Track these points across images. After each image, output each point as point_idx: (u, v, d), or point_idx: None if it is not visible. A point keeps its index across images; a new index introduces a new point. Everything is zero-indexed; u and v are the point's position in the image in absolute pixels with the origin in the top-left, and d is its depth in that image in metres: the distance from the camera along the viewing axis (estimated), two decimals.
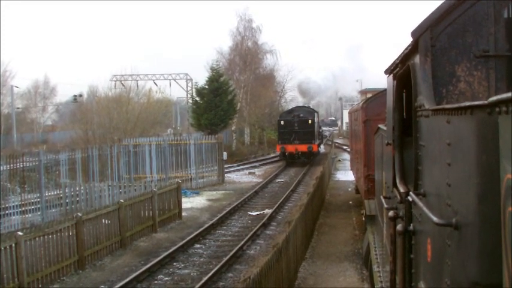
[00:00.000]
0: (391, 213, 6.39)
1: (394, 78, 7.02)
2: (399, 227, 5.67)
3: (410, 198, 5.54)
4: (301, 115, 57.80)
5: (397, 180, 6.52)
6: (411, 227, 5.51)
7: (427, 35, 4.90)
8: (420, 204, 4.62)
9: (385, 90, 21.66)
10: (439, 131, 4.07)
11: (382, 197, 8.50)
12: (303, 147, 55.13)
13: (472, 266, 3.12)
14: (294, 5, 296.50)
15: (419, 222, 5.02)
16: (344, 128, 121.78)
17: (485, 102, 2.74)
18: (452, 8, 4.85)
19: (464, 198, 3.29)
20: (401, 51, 6.24)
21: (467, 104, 3.11)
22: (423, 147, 4.95)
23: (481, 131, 2.91)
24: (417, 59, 5.17)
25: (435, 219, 3.76)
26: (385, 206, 7.57)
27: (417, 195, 5.00)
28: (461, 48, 4.86)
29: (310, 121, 56.98)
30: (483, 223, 2.95)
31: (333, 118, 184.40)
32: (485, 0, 4.79)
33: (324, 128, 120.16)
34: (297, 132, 55.94)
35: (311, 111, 63.72)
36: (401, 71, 6.36)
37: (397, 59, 6.64)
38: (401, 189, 6.12)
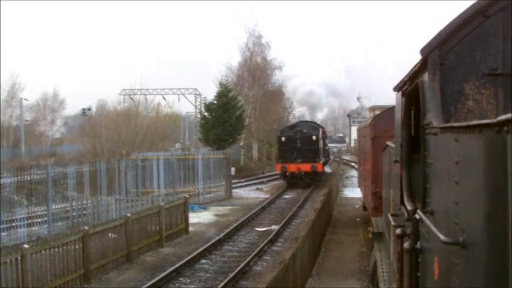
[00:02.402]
0: (398, 230, 6.37)
1: (402, 96, 7.02)
2: (406, 244, 5.65)
3: (417, 216, 5.52)
4: (305, 131, 51.82)
5: (405, 198, 6.50)
6: (418, 245, 5.48)
7: (436, 53, 4.89)
8: (428, 222, 4.60)
9: (393, 107, 21.70)
10: (447, 149, 4.05)
11: (389, 215, 8.48)
12: (306, 167, 49.23)
13: (480, 285, 3.10)
14: (302, 12, 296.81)
15: (427, 240, 5.00)
16: (352, 144, 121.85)
17: (494, 120, 2.73)
18: (461, 26, 4.85)
19: (472, 217, 3.27)
20: (410, 69, 6.24)
21: (476, 122, 3.10)
22: (431, 165, 4.94)
23: (490, 149, 2.90)
24: (426, 76, 5.16)
25: (442, 237, 3.74)
26: (393, 223, 7.55)
27: (424, 213, 4.98)
28: (470, 66, 4.85)
29: (314, 137, 50.90)
30: (491, 242, 2.93)
31: (341, 135, 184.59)
32: (493, 19, 4.79)
33: (331, 145, 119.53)
34: (299, 150, 50.04)
35: (316, 127, 57.65)
36: (410, 88, 6.36)
37: (406, 76, 6.64)
38: (409, 207, 6.10)
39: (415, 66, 5.83)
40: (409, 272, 5.74)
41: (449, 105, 4.80)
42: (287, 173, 50.28)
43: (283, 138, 51.12)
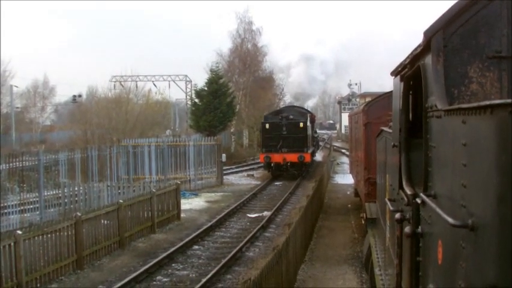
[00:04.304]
0: (397, 215, 6.34)
1: (401, 80, 6.98)
2: (407, 229, 5.62)
3: (418, 200, 5.49)
4: (291, 117, 47.30)
5: (404, 183, 6.47)
6: (419, 229, 5.46)
7: (440, 35, 4.85)
8: (433, 205, 4.56)
9: (386, 93, 21.71)
10: (452, 132, 4.01)
11: (387, 200, 8.45)
12: (292, 157, 45.03)
13: (490, 268, 3.07)
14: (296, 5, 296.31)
15: (429, 224, 4.97)
16: (342, 131, 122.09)
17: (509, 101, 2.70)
18: (465, 8, 4.80)
19: (482, 199, 3.23)
20: (410, 52, 6.19)
21: (487, 103, 3.06)
22: (434, 149, 4.90)
23: (502, 130, 2.86)
24: (428, 59, 5.12)
25: (451, 220, 3.70)
26: (391, 208, 7.52)
27: (427, 196, 4.95)
28: (474, 49, 4.81)
29: (301, 124, 46.30)
30: (502, 224, 2.89)
31: (331, 121, 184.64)
32: (498, 1, 4.75)
33: (322, 132, 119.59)
34: (285, 138, 45.52)
35: (303, 112, 53.41)
36: (410, 72, 6.31)
37: (405, 60, 6.59)
38: (409, 192, 6.07)
39: (415, 49, 5.78)
40: (409, 256, 5.71)
41: (453, 88, 4.76)
42: (272, 164, 46.41)
43: (267, 125, 46.72)
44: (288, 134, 45.75)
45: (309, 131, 48.99)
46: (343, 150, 77.95)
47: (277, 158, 45.41)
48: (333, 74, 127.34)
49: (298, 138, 45.79)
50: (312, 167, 52.84)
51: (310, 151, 48.38)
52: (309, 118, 50.17)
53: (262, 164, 51.42)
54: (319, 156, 64.68)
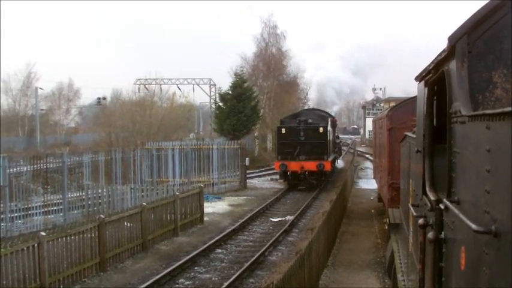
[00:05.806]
0: (421, 221, 6.31)
1: (425, 85, 6.95)
2: (430, 234, 5.60)
3: (442, 206, 5.47)
4: (310, 121, 42.60)
5: (427, 188, 6.45)
6: (442, 235, 5.43)
7: (464, 41, 4.82)
8: (457, 211, 4.54)
9: (410, 98, 21.64)
10: (476, 137, 4.00)
11: (410, 205, 8.42)
12: (310, 165, 40.49)
13: None
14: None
15: (452, 230, 4.95)
16: (367, 136, 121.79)
17: None
18: (490, 13, 4.77)
19: (505, 206, 3.22)
20: (435, 57, 6.17)
21: (511, 109, 3.05)
22: (458, 154, 4.88)
23: None
24: (453, 64, 5.09)
25: (474, 226, 3.69)
26: (414, 213, 7.50)
27: (451, 202, 4.93)
28: (498, 55, 4.76)
29: (321, 129, 41.53)
30: None
31: (355, 126, 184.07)
32: None
33: (345, 136, 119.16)
34: (303, 144, 41.01)
35: (324, 116, 48.11)
36: (434, 77, 6.29)
37: (430, 65, 6.56)
38: (432, 197, 6.04)
39: (440, 54, 5.76)
40: (432, 262, 5.69)
41: (477, 94, 4.73)
42: (288, 173, 41.82)
43: (283, 130, 41.96)
44: (306, 139, 41.31)
45: (330, 137, 44.53)
46: (367, 155, 77.75)
47: (294, 166, 41.06)
48: (357, 78, 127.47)
49: (317, 145, 41.28)
50: (333, 176, 48.95)
51: (330, 159, 43.92)
52: (329, 122, 45.59)
53: None
54: (341, 163, 62.43)
